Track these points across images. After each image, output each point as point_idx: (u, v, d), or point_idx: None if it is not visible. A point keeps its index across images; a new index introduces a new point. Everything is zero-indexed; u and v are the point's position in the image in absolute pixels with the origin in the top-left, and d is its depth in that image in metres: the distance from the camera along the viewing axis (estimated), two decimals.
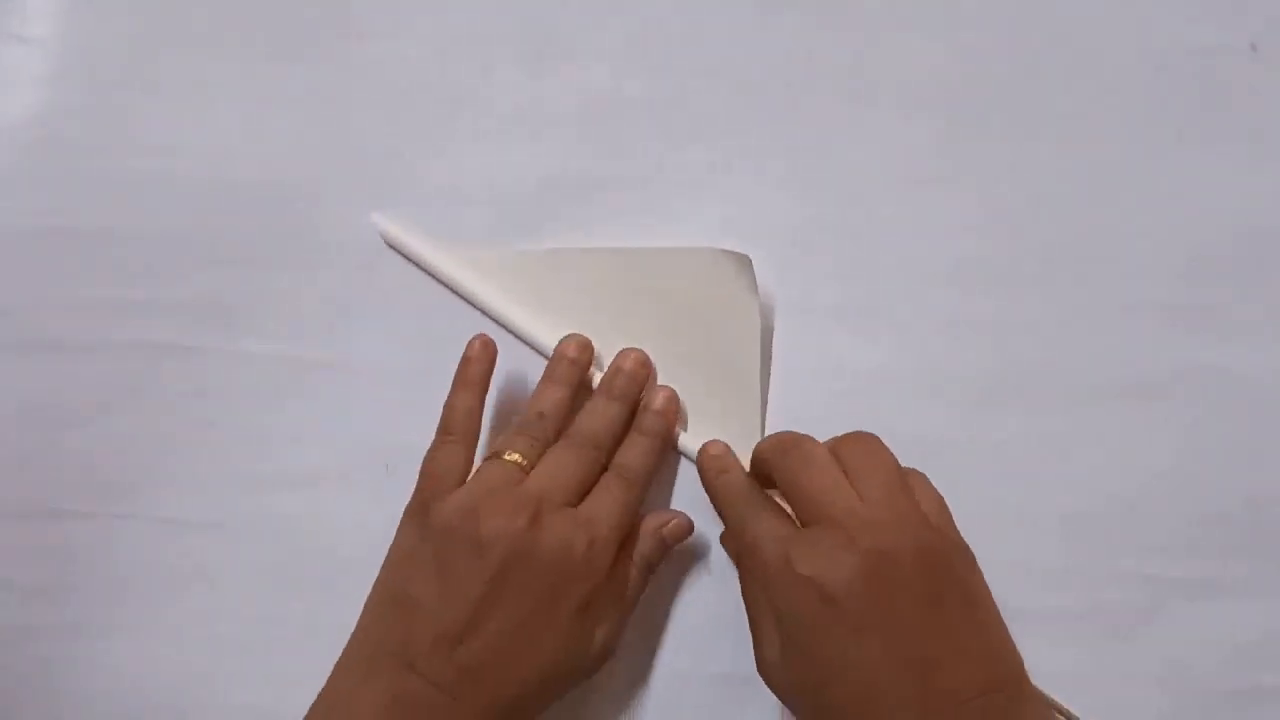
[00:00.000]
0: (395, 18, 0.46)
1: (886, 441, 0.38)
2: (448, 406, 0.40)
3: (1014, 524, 0.42)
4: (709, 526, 0.43)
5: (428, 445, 0.42)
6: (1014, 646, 0.35)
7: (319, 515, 0.43)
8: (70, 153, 0.45)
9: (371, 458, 0.43)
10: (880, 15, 0.45)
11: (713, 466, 0.41)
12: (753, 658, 0.41)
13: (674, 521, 0.41)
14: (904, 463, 0.42)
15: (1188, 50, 0.44)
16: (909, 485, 0.36)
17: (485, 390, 0.41)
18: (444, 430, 0.40)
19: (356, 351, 0.44)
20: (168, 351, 0.44)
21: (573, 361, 0.42)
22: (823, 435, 0.43)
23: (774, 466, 0.37)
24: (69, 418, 0.44)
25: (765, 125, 0.45)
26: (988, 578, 0.35)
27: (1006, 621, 0.40)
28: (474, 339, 0.41)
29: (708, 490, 0.41)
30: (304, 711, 0.36)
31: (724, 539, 0.42)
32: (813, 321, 0.43)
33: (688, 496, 0.43)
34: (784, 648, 0.35)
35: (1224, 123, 0.44)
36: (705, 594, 0.42)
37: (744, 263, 0.41)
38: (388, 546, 0.39)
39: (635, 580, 0.40)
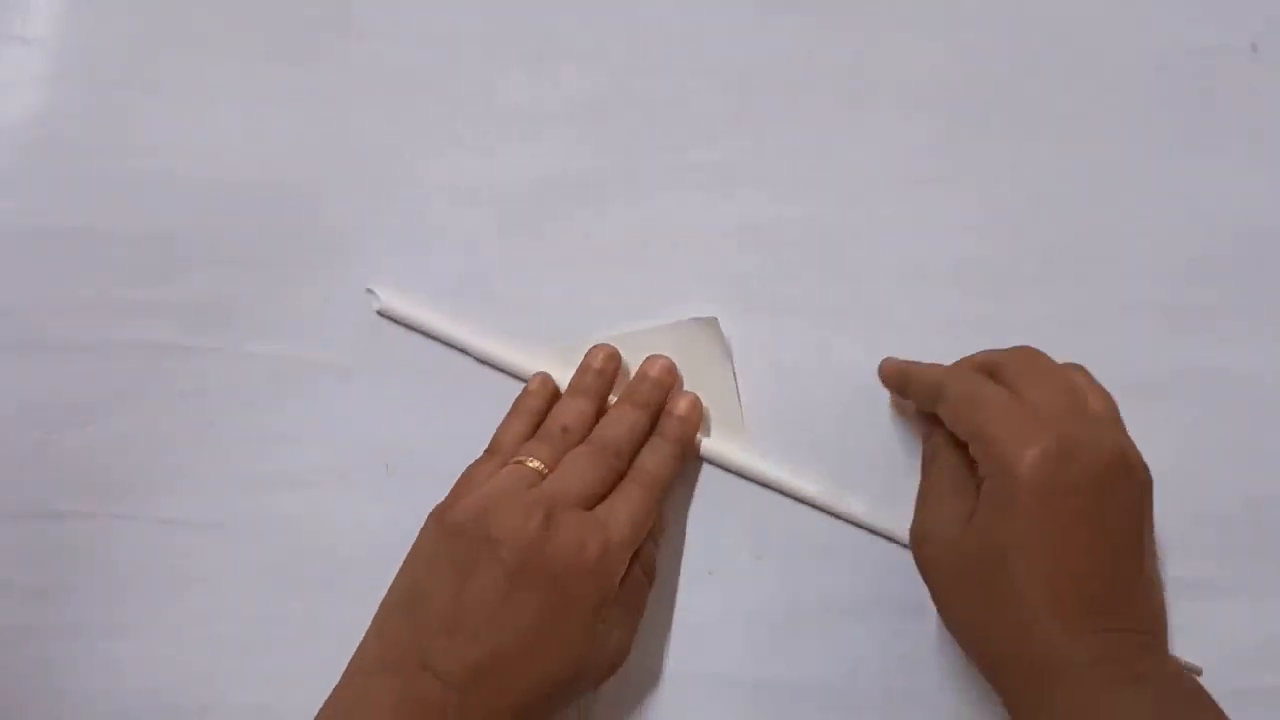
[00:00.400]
0: (395, 18, 0.46)
1: (885, 442, 0.38)
2: (499, 429, 0.42)
3: None
4: (707, 527, 0.43)
5: (426, 445, 0.42)
6: (1164, 599, 0.36)
7: (319, 515, 0.43)
8: (71, 153, 0.45)
9: (371, 458, 0.43)
10: (880, 15, 0.45)
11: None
12: (752, 657, 0.41)
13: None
14: (903, 465, 0.42)
15: (1188, 50, 0.44)
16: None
17: (537, 422, 0.41)
18: (489, 450, 0.41)
19: (356, 351, 0.44)
20: (168, 352, 0.44)
21: (599, 372, 0.42)
22: (823, 435, 0.43)
23: (1003, 359, 0.37)
24: (69, 418, 0.44)
25: (765, 125, 0.45)
26: None
27: None
28: (535, 375, 0.43)
29: (905, 378, 0.41)
30: (304, 711, 0.36)
31: (921, 409, 0.41)
32: (813, 322, 0.43)
33: (708, 499, 0.43)
34: (978, 523, 0.34)
35: (1224, 123, 0.44)
36: (705, 594, 0.42)
37: (711, 325, 0.42)
38: (387, 546, 0.39)
39: (646, 590, 0.40)
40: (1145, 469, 0.35)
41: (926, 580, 0.37)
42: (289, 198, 0.45)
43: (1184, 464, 0.42)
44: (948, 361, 0.42)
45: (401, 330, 0.44)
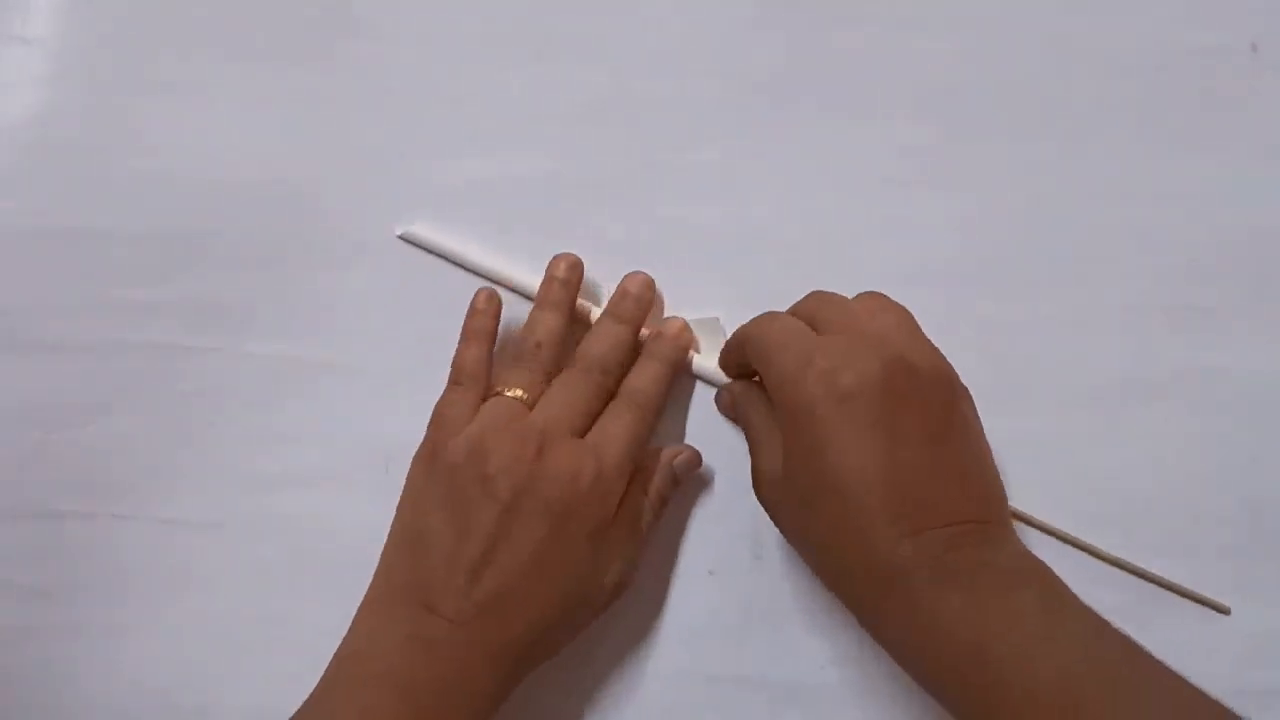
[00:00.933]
0: (395, 18, 0.46)
1: None
2: (457, 356, 0.41)
3: (1018, 528, 0.42)
4: (707, 527, 0.43)
5: None
6: (1001, 487, 0.36)
7: (319, 515, 0.43)
8: (70, 153, 0.45)
9: (371, 457, 0.43)
10: (879, 16, 0.45)
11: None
12: (752, 658, 0.40)
13: (683, 455, 0.41)
14: None
15: (1188, 50, 0.44)
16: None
17: (493, 341, 0.41)
18: (453, 380, 0.41)
19: (356, 351, 0.44)
20: (168, 352, 0.44)
21: (564, 282, 0.42)
22: None
23: (799, 305, 0.38)
24: (69, 418, 0.44)
25: (766, 125, 0.45)
26: None
27: None
28: (479, 291, 0.42)
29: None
30: None
31: (731, 374, 0.42)
32: None
33: (700, 421, 0.43)
34: (787, 452, 0.35)
35: (1225, 123, 0.44)
36: (705, 594, 0.42)
37: (713, 325, 0.43)
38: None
39: (648, 514, 0.40)
40: (937, 370, 0.35)
41: (773, 521, 0.38)
42: (289, 198, 0.45)
43: (1184, 464, 0.42)
44: (956, 365, 0.42)
45: (401, 330, 0.44)
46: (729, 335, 0.43)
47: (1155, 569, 0.41)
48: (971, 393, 0.36)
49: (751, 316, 0.43)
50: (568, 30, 0.45)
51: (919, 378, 0.34)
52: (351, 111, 0.45)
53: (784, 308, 0.43)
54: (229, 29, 0.46)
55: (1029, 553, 0.34)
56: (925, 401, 0.34)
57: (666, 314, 0.44)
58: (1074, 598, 0.33)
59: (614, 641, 0.42)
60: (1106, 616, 0.35)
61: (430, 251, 0.44)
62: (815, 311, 0.37)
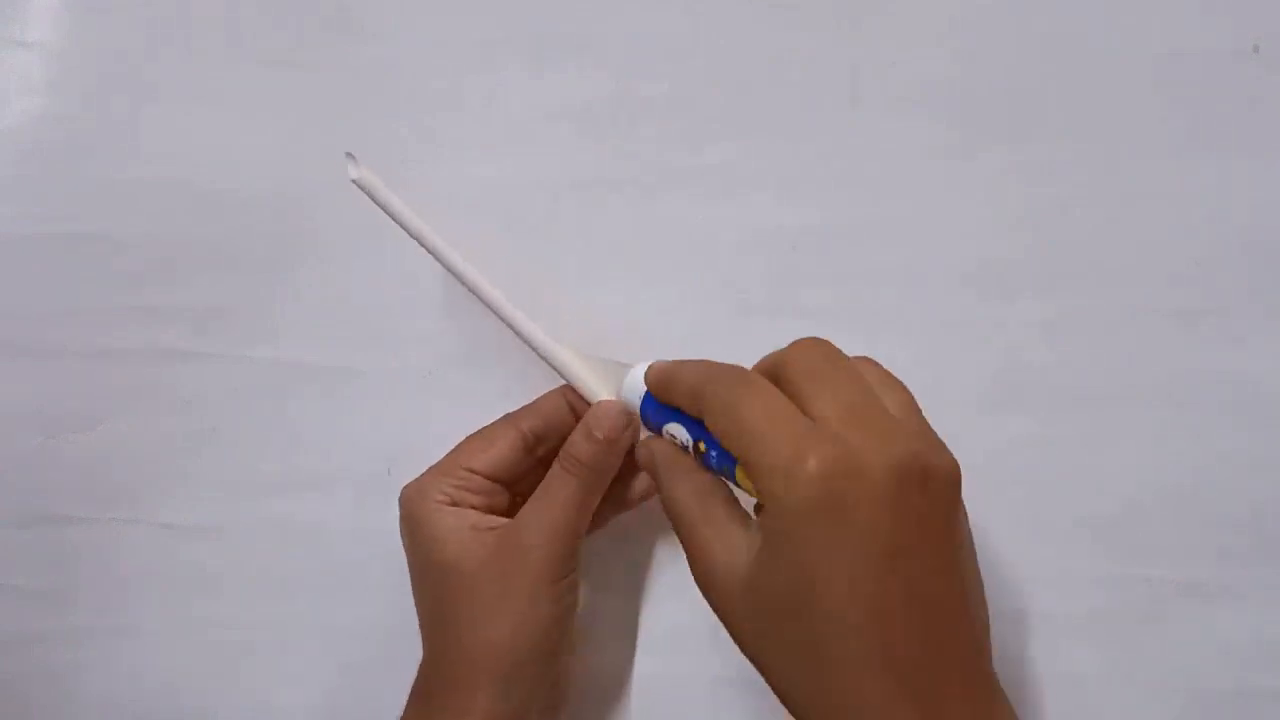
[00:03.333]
0: (395, 20, 0.46)
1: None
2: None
3: (1020, 528, 0.42)
4: None
5: (428, 448, 0.42)
6: (985, 608, 0.32)
7: (320, 519, 0.43)
8: (72, 158, 0.45)
9: (372, 461, 0.43)
10: (883, 18, 0.45)
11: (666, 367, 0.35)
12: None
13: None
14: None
15: (1190, 52, 0.44)
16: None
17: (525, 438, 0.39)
18: None
19: (357, 355, 0.44)
20: (169, 357, 0.44)
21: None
22: None
23: (779, 363, 0.31)
24: (71, 423, 0.44)
25: (770, 127, 0.44)
26: (993, 582, 0.34)
27: (1012, 624, 0.40)
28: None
29: (668, 380, 0.34)
30: (304, 714, 0.36)
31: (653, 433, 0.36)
32: (818, 325, 0.43)
33: None
34: (761, 559, 0.29)
35: (1228, 125, 0.44)
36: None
37: (620, 374, 0.38)
38: (389, 549, 0.39)
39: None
40: (949, 472, 0.29)
41: (725, 626, 0.31)
42: (289, 202, 0.45)
43: (1186, 466, 0.42)
44: (952, 362, 0.42)
45: (402, 334, 0.44)
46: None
47: (1161, 571, 0.42)
48: (973, 393, 0.35)
49: (751, 320, 0.43)
50: (569, 32, 0.45)
51: (932, 485, 0.29)
52: (352, 115, 0.45)
53: (784, 311, 0.43)
54: (229, 33, 0.46)
55: (1003, 692, 0.31)
56: (937, 521, 0.29)
57: (667, 313, 0.43)
58: None
59: (615, 643, 0.42)
60: (1110, 618, 0.34)
61: (375, 202, 0.39)
62: (802, 383, 0.30)
